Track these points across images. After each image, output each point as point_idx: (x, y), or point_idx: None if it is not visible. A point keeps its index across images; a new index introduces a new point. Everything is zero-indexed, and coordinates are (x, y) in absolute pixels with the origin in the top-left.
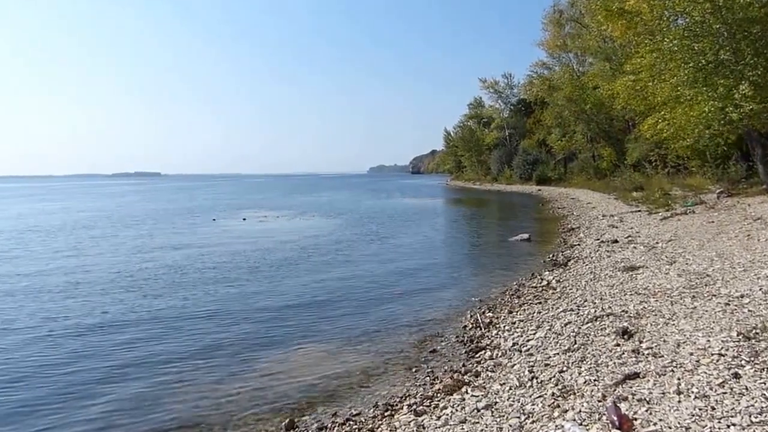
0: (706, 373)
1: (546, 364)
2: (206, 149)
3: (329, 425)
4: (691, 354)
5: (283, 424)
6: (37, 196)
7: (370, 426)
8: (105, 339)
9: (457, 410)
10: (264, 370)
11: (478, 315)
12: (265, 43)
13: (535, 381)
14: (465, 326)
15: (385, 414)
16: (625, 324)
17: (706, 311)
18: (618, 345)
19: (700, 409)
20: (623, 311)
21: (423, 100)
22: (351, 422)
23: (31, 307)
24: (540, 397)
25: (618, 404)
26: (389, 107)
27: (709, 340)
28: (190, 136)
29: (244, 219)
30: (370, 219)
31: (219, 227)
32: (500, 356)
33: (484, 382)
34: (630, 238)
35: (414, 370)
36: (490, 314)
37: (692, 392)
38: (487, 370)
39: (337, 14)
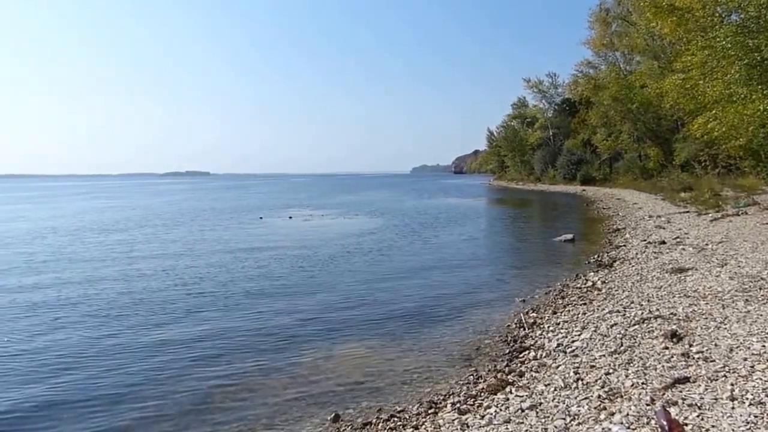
0: (761, 379)
1: (591, 366)
2: (254, 150)
3: (374, 421)
4: (745, 359)
5: (329, 418)
6: (93, 194)
7: (414, 423)
8: (152, 335)
9: (501, 410)
10: (309, 366)
11: (521, 315)
12: (307, 43)
13: (580, 382)
14: (508, 326)
15: (429, 411)
16: (674, 327)
17: (761, 315)
18: (666, 348)
19: (756, 417)
20: (672, 314)
21: (466, 100)
22: (395, 418)
23: (81, 305)
24: (586, 399)
25: (668, 408)
26: (432, 107)
27: (764, 345)
28: (239, 137)
29: (290, 217)
30: (413, 218)
31: (266, 225)
32: (544, 357)
33: (528, 383)
34: (678, 240)
35: (457, 368)
36: (534, 314)
37: (747, 399)
38: (531, 370)
39: (381, 10)
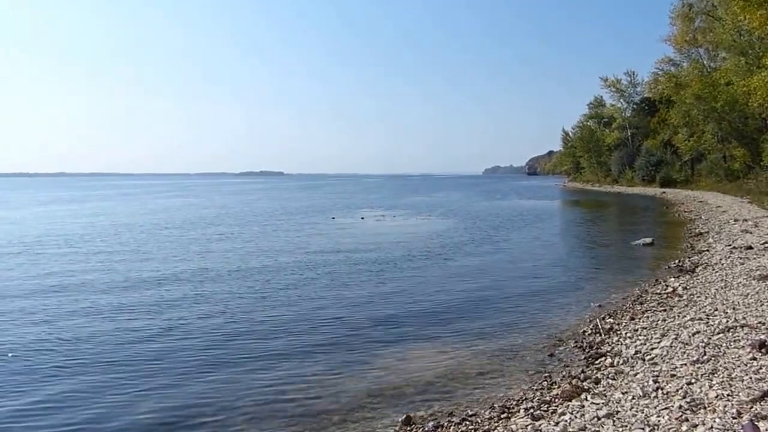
0: None
1: (672, 375)
2: (326, 150)
3: (445, 424)
4: None
5: (400, 419)
6: (173, 192)
7: (487, 427)
8: (226, 331)
9: (576, 417)
10: (381, 366)
11: (597, 320)
12: (380, 44)
13: (660, 392)
14: (584, 331)
15: (502, 416)
16: (763, 336)
17: None
18: (755, 359)
19: None
20: (760, 323)
21: (541, 100)
22: (467, 422)
23: (155, 302)
24: (666, 409)
25: (756, 423)
26: (506, 107)
27: None
28: (311, 138)
29: (362, 218)
30: (484, 220)
31: (338, 225)
32: (622, 364)
33: (604, 390)
34: (766, 245)
35: (531, 373)
36: (611, 320)
37: None
38: (607, 377)
39: (454, 9)
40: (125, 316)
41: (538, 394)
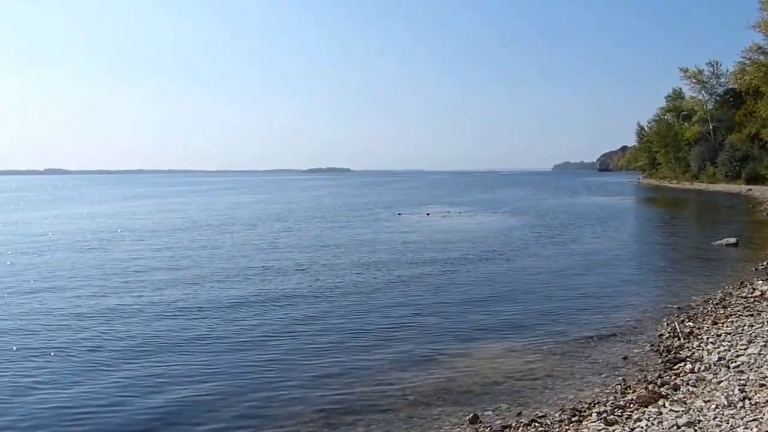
0: None
1: (761, 384)
2: (391, 146)
3: (513, 424)
4: None
5: (467, 418)
6: (242, 189)
7: (557, 430)
8: (294, 326)
9: (653, 424)
10: (446, 363)
11: (676, 323)
12: (433, 43)
13: (747, 402)
14: (661, 334)
15: (572, 419)
16: None
17: None
18: None
19: None
20: None
21: (611, 94)
22: (536, 423)
23: (219, 293)
24: (754, 420)
25: None
26: (575, 100)
27: None
28: (372, 133)
29: (428, 214)
30: (553, 217)
31: (404, 222)
32: (703, 370)
33: (684, 397)
34: None
35: (603, 376)
36: (690, 324)
37: None
38: (687, 384)
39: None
40: (206, 309)
41: (612, 398)
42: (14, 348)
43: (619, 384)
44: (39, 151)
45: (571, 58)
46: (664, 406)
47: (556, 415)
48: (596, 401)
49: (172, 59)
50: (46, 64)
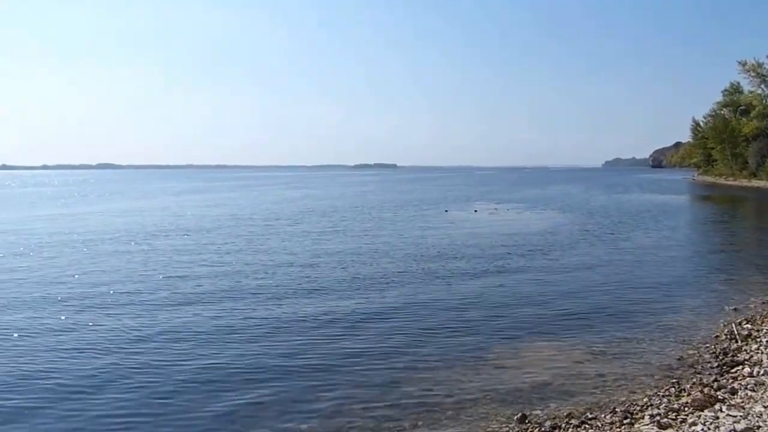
0: None
1: None
2: (435, 141)
3: (563, 425)
4: None
5: (516, 417)
6: (292, 184)
7: None
8: (341, 322)
9: (709, 428)
10: (494, 361)
11: (733, 325)
12: (477, 28)
13: None
14: (716, 336)
15: (624, 422)
16: None
17: None
18: None
19: None
20: None
21: (664, 88)
22: (587, 425)
23: (266, 288)
24: None
25: None
26: (627, 95)
27: None
28: (420, 129)
29: (475, 211)
30: (604, 215)
31: (451, 218)
32: (762, 374)
33: (742, 402)
34: None
35: (656, 378)
36: (749, 326)
37: None
38: (746, 388)
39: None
40: (263, 302)
41: (665, 400)
42: (85, 335)
43: (673, 386)
44: (91, 146)
45: (623, 51)
46: (720, 410)
47: (607, 417)
48: (649, 403)
49: (217, 55)
50: (95, 63)
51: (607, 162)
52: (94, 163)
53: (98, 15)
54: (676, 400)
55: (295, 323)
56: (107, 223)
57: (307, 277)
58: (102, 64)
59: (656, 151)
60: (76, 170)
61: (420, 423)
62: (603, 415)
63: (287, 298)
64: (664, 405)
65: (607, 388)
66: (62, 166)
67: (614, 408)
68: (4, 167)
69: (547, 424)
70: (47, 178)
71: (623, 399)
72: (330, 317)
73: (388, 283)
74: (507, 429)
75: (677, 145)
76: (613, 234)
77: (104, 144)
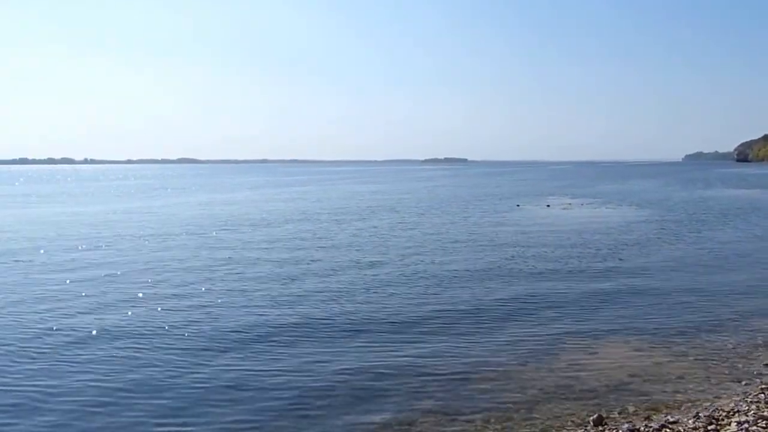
0: None
1: None
2: (506, 136)
3: (642, 428)
4: None
5: (591, 418)
6: (361, 179)
7: None
8: (411, 317)
9: None
10: (568, 360)
11: None
12: (550, 20)
13: None
14: None
15: (709, 427)
16: None
17: None
18: None
19: None
20: None
21: (750, 78)
22: (667, 429)
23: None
24: None
25: None
26: (709, 85)
27: None
28: (491, 124)
29: (548, 206)
30: (685, 211)
31: (523, 213)
32: None
33: None
34: None
35: (743, 383)
36: None
37: None
38: None
39: None
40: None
41: (754, 407)
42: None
43: (763, 392)
44: (172, 142)
45: (705, 39)
46: None
47: (690, 422)
48: (736, 410)
49: (291, 55)
50: (180, 62)
51: (687, 156)
52: (174, 158)
53: (182, 16)
54: (767, 408)
55: (363, 316)
56: (209, 215)
57: (371, 271)
58: (185, 64)
59: (742, 144)
60: (158, 165)
61: (491, 420)
62: (685, 420)
63: (350, 292)
64: (753, 412)
65: (689, 392)
66: (145, 161)
67: (697, 413)
68: (92, 161)
69: (625, 426)
70: (135, 171)
71: (707, 404)
72: (401, 312)
73: (458, 279)
74: (582, 430)
75: (766, 137)
76: (694, 231)
77: (184, 139)
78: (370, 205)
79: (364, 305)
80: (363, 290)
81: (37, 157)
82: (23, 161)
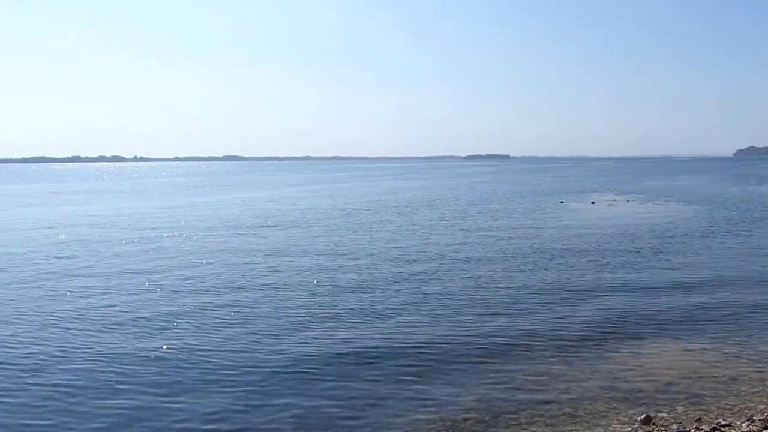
0: None
1: None
2: (549, 131)
3: (692, 430)
4: None
5: (639, 418)
6: (404, 175)
7: None
8: (454, 318)
9: None
10: (616, 359)
11: None
12: (601, 15)
13: None
14: None
15: (764, 431)
16: None
17: None
18: None
19: None
20: None
21: None
22: None
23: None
24: None
25: None
26: (760, 76)
27: None
28: (533, 120)
29: (593, 202)
30: (735, 207)
31: (567, 210)
32: None
33: None
34: None
35: None
36: None
37: None
38: None
39: None
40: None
41: None
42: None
43: None
44: (218, 140)
45: (756, 27)
46: None
47: (743, 425)
48: None
49: (334, 52)
50: (226, 62)
51: (739, 151)
52: (220, 155)
53: (228, 17)
54: None
55: (405, 311)
56: (261, 209)
57: (413, 270)
58: (231, 64)
59: None
60: (204, 162)
61: (536, 418)
62: (738, 422)
63: (394, 286)
64: None
65: (742, 394)
66: (192, 158)
67: (751, 416)
68: (142, 159)
69: (674, 427)
70: (185, 168)
71: (762, 407)
72: (441, 307)
73: (501, 276)
74: (629, 429)
75: None
76: (745, 229)
77: (230, 137)
78: (411, 202)
79: (397, 298)
80: (401, 281)
81: (90, 156)
82: (76, 159)
